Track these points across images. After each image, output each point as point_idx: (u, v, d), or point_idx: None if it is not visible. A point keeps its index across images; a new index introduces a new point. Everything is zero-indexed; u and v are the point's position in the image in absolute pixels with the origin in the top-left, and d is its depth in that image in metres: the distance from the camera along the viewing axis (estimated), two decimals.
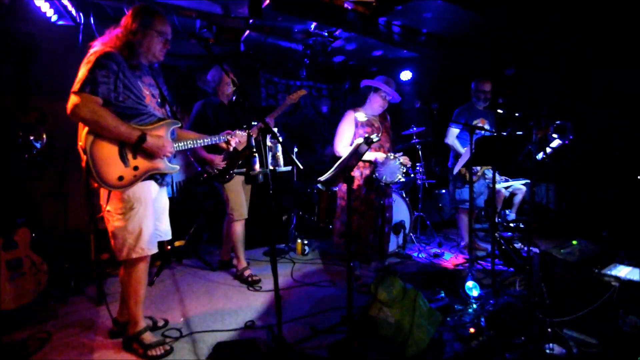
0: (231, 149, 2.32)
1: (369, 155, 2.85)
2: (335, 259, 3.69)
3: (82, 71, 1.76)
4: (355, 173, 2.91)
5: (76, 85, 1.74)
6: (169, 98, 2.15)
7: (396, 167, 2.86)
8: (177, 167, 2.10)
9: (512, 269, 3.22)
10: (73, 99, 1.73)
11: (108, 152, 1.81)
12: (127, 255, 1.92)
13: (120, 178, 1.84)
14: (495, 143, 2.77)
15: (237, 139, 2.35)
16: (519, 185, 4.25)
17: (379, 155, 2.83)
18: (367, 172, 2.89)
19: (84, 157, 1.79)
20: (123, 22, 1.92)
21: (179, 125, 2.09)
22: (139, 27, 1.89)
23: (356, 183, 2.91)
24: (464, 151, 3.46)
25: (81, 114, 1.72)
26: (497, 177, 3.92)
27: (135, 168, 1.89)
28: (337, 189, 3.29)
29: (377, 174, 2.83)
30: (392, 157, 2.87)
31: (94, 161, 1.78)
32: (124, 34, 1.88)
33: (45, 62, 3.42)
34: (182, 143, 2.06)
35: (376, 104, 2.92)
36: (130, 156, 1.87)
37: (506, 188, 4.17)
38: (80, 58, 1.85)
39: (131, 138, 1.82)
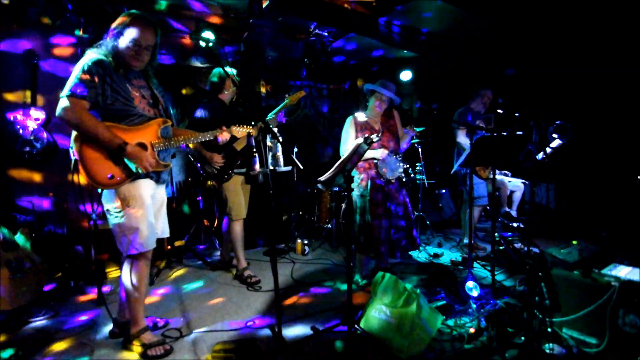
0: (219, 142, 2.34)
1: (371, 154, 2.89)
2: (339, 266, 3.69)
3: (71, 77, 1.84)
4: (363, 175, 2.95)
5: (65, 90, 1.82)
6: (164, 99, 2.18)
7: (396, 162, 2.92)
8: (170, 163, 2.13)
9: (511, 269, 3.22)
10: (61, 102, 1.81)
11: (98, 152, 1.87)
12: (128, 251, 1.97)
13: (111, 177, 1.88)
14: (494, 143, 2.77)
15: (229, 133, 2.36)
16: (517, 183, 4.25)
17: (379, 153, 2.89)
18: (372, 172, 2.93)
19: (73, 158, 1.85)
20: (110, 29, 1.97)
21: (171, 123, 2.12)
22: (120, 34, 1.94)
23: (363, 184, 2.95)
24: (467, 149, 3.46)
25: (66, 117, 1.80)
26: (498, 171, 3.90)
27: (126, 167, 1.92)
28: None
29: (379, 170, 2.90)
30: (392, 154, 2.92)
31: (84, 161, 1.84)
32: (110, 40, 1.95)
33: (46, 62, 3.43)
34: (174, 141, 2.09)
35: (374, 106, 2.98)
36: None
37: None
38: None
39: (111, 146, 1.86)
